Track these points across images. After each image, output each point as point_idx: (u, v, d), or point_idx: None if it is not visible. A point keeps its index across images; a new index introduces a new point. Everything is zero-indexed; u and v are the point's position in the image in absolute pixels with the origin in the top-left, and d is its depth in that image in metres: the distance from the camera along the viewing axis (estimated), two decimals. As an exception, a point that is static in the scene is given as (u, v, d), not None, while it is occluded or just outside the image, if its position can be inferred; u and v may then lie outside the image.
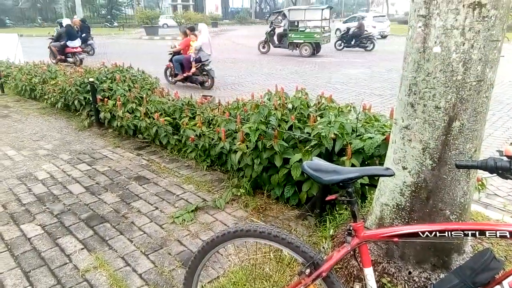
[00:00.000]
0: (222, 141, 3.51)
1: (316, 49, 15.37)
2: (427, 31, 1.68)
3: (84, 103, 5.66)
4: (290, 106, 3.58)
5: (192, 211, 3.00)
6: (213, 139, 3.81)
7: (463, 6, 1.56)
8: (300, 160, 2.76)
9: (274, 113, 3.24)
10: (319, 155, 2.79)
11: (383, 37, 23.74)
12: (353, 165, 2.56)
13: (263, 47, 16.73)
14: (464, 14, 1.57)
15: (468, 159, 1.75)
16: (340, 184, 1.33)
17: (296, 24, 15.74)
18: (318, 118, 3.34)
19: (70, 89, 5.76)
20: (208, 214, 3.00)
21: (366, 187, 2.66)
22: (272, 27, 16.46)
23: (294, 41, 15.38)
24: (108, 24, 39.70)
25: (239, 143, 3.28)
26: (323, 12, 15.37)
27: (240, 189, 3.24)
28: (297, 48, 15.46)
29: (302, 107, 3.44)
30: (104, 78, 5.67)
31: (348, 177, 1.31)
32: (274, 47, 16.30)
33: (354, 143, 2.63)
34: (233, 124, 3.58)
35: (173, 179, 3.71)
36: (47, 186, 3.53)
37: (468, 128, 1.70)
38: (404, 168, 1.86)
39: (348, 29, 17.26)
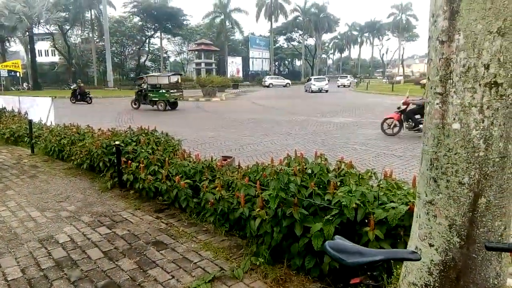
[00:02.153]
0: (241, 207, 3.50)
1: (171, 105, 20.19)
2: (444, 108, 1.71)
3: (108, 165, 5.83)
4: (309, 171, 3.58)
5: (209, 281, 2.91)
6: (232, 203, 3.80)
7: (479, 85, 1.61)
8: (321, 230, 2.69)
9: (294, 179, 3.24)
10: (340, 224, 2.73)
11: (326, 91, 35.79)
12: (377, 237, 2.48)
13: (135, 104, 21.16)
14: (481, 93, 1.61)
15: (498, 237, 1.68)
16: (365, 266, 1.29)
17: (158, 86, 20.77)
18: (338, 183, 3.32)
19: (96, 151, 5.99)
20: (225, 285, 2.90)
21: (392, 261, 2.54)
22: (140, 89, 21.47)
23: (153, 99, 20.27)
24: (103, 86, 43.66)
25: (258, 209, 3.25)
26: (174, 78, 21.89)
27: (259, 258, 3.14)
28: (156, 104, 20.15)
29: (322, 173, 3.43)
30: (130, 141, 5.90)
31: (372, 260, 1.27)
32: (142, 104, 20.86)
33: (376, 213, 2.57)
34: (253, 190, 3.58)
35: (191, 244, 3.66)
36: (66, 250, 3.53)
37: (495, 205, 1.66)
38: (430, 245, 1.79)
39: None
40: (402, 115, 10.75)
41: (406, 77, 61.04)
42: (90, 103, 24.67)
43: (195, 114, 18.25)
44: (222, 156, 5.91)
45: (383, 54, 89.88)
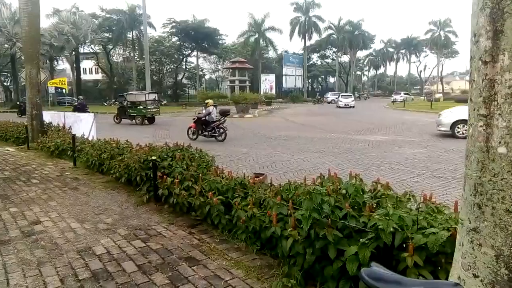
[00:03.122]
0: (273, 226, 3.47)
1: (149, 119, 22.71)
2: (489, 131, 1.64)
3: (145, 179, 6.01)
4: (343, 192, 3.50)
5: (240, 300, 2.88)
6: (264, 221, 3.77)
7: (527, 107, 1.52)
8: (356, 254, 2.61)
9: (327, 200, 3.17)
10: (377, 248, 2.63)
11: (352, 107, 39.54)
12: (415, 263, 2.37)
13: (117, 119, 23.65)
14: (529, 116, 1.52)
15: (553, 271, 1.55)
16: (403, 297, 1.23)
17: (137, 103, 22.95)
18: (374, 205, 3.22)
19: (134, 166, 6.20)
20: (256, 306, 2.86)
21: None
22: (121, 105, 23.92)
23: (132, 114, 22.79)
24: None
25: (290, 229, 3.21)
26: (151, 95, 23.86)
27: (291, 279, 3.09)
28: (134, 119, 22.58)
29: (357, 194, 3.35)
30: (166, 156, 6.06)
31: (411, 291, 1.21)
32: (123, 118, 23.29)
33: (415, 238, 2.46)
34: (285, 209, 3.55)
35: (222, 262, 3.66)
36: (103, 262, 3.64)
37: (549, 236, 1.54)
38: (475, 276, 1.68)
39: None
40: (197, 125, 14.19)
41: (445, 94, 59.01)
42: None
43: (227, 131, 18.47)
44: (254, 173, 5.92)
45: (420, 71, 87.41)
